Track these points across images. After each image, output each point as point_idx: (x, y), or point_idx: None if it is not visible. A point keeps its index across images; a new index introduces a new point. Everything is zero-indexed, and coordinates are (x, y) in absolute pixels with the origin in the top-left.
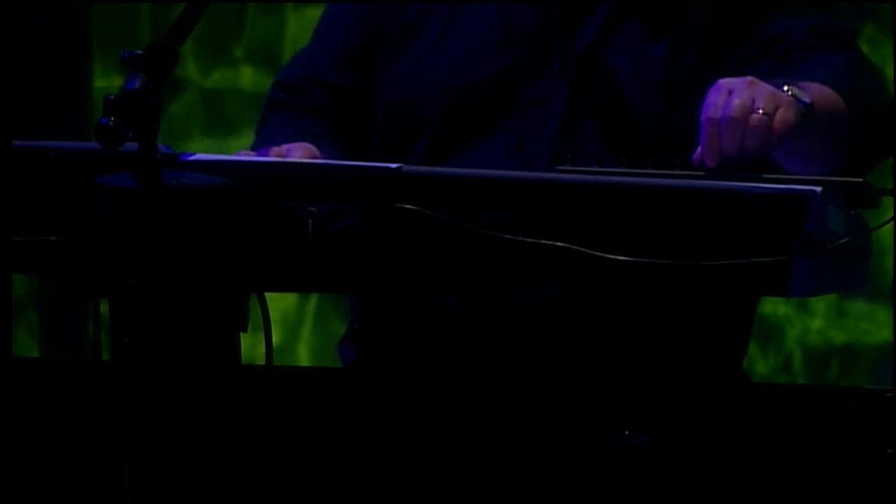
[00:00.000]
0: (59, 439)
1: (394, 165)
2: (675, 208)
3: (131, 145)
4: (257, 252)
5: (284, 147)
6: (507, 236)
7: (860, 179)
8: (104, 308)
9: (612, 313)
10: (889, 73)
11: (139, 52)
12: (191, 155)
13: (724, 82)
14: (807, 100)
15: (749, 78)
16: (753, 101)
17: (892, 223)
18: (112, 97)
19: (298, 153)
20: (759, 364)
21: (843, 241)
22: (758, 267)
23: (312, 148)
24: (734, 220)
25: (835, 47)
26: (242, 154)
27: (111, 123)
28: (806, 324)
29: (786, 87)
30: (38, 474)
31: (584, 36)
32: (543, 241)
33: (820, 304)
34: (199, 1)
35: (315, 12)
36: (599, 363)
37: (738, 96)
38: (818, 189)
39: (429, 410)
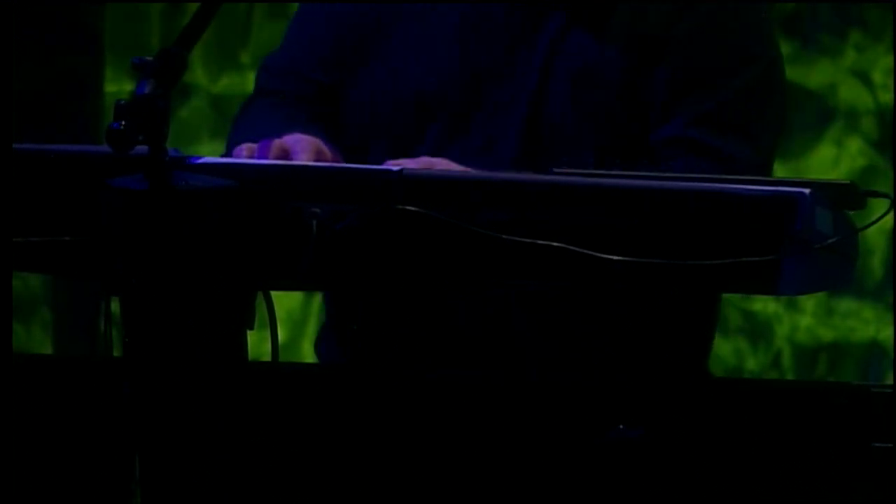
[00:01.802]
0: (72, 433)
1: (395, 168)
2: (669, 209)
3: (141, 148)
4: (263, 252)
5: (288, 141)
6: (506, 237)
7: (847, 181)
8: (115, 306)
9: (584, 313)
10: (877, 77)
11: (149, 58)
12: (199, 158)
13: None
14: None
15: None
16: None
17: (877, 224)
18: (123, 102)
19: (305, 154)
20: (750, 361)
21: (830, 241)
22: (748, 266)
23: (319, 142)
24: (725, 221)
25: (692, 154)
26: (244, 148)
27: (122, 127)
28: (795, 321)
29: None
30: (51, 466)
31: (543, 40)
32: (541, 242)
33: (808, 302)
34: (208, 8)
35: None
36: (569, 361)
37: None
38: (807, 191)
39: (430, 407)
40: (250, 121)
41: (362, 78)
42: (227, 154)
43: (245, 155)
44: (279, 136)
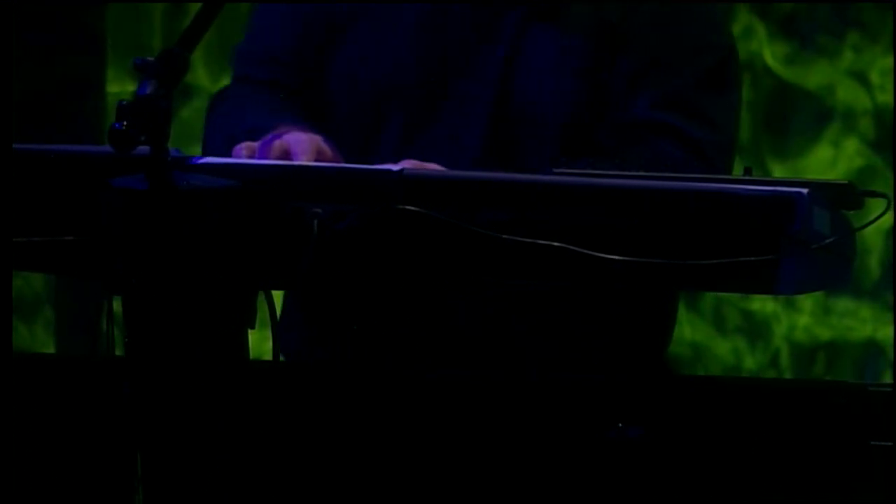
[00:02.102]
0: (75, 432)
1: (395, 168)
2: (668, 209)
3: (143, 149)
4: (263, 251)
5: (288, 140)
6: (506, 236)
7: (845, 182)
8: (117, 305)
9: (551, 311)
10: (874, 78)
11: (151, 59)
12: (200, 158)
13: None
14: None
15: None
16: None
17: (875, 223)
18: (125, 102)
19: (305, 155)
20: (748, 360)
21: (828, 240)
22: (746, 266)
23: (319, 140)
24: (723, 221)
25: (655, 135)
26: (243, 147)
27: (124, 127)
28: (793, 321)
29: None
30: (54, 465)
31: (506, 31)
32: (540, 242)
33: (806, 301)
34: (209, 9)
35: None
36: (538, 358)
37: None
38: (804, 191)
39: (430, 407)
40: (234, 111)
41: (329, 69)
42: (209, 145)
43: (245, 154)
44: (269, 129)
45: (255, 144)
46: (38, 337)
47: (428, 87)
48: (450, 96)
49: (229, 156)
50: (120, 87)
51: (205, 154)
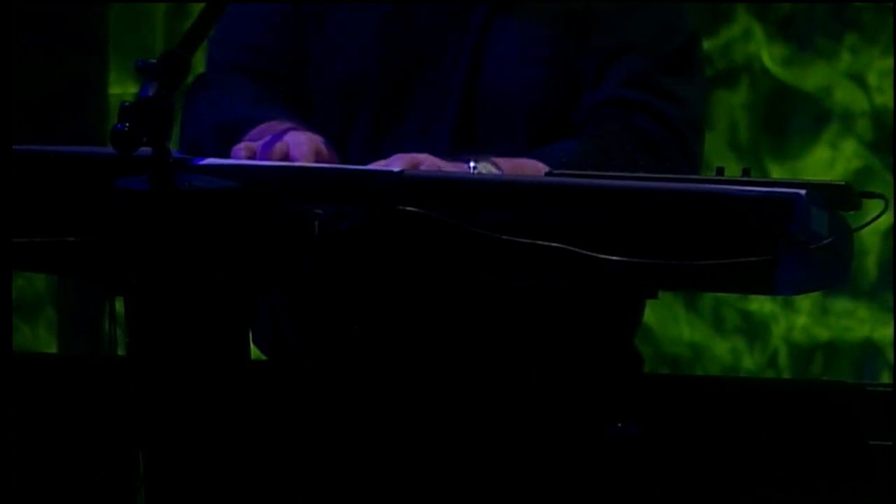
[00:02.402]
0: (77, 431)
1: (396, 169)
2: (666, 210)
3: (145, 150)
4: (265, 252)
5: (288, 141)
6: (505, 237)
7: (843, 183)
8: (119, 306)
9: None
10: (871, 80)
11: (153, 60)
12: (202, 159)
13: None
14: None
15: (426, 155)
16: None
17: (872, 224)
18: (127, 104)
19: (305, 156)
20: (746, 360)
21: (826, 241)
22: (745, 266)
23: (318, 141)
24: (722, 221)
25: (628, 111)
26: (242, 147)
27: (126, 129)
28: (791, 321)
29: (473, 165)
30: (56, 464)
31: (473, 22)
32: (540, 242)
33: (804, 302)
34: (211, 11)
35: None
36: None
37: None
38: (802, 191)
39: (428, 405)
40: (219, 98)
41: (304, 61)
42: (189, 131)
43: (245, 156)
44: (256, 119)
45: (256, 145)
46: (40, 337)
47: (396, 79)
48: (418, 88)
49: (213, 142)
50: (122, 88)
51: (183, 138)
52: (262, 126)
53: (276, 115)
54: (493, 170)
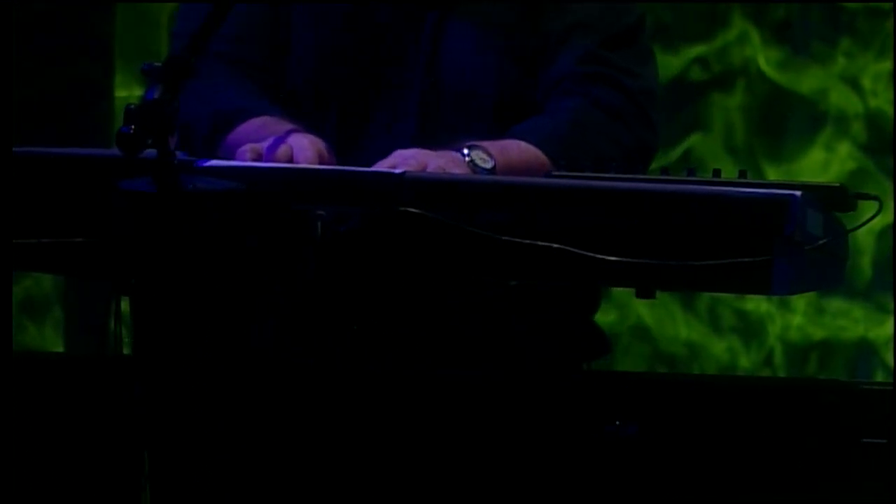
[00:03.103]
0: (83, 430)
1: (398, 171)
2: (665, 211)
3: (150, 152)
4: (268, 252)
5: (291, 142)
6: (505, 237)
7: (837, 184)
8: (125, 305)
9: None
10: (866, 83)
11: (158, 64)
12: (206, 161)
13: (400, 153)
14: (488, 166)
15: (424, 151)
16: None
17: (867, 225)
18: (132, 107)
19: (308, 159)
20: (743, 359)
21: (821, 242)
22: (741, 267)
23: (320, 142)
24: (719, 223)
25: (588, 84)
26: (247, 150)
27: (131, 131)
28: (786, 321)
29: (467, 152)
30: (62, 462)
31: (429, 19)
32: (540, 243)
33: (800, 301)
34: (215, 16)
35: None
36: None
37: (405, 164)
38: (798, 193)
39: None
40: (216, 86)
41: (281, 56)
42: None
43: (249, 157)
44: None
45: (260, 147)
46: (47, 336)
47: (360, 80)
48: (382, 87)
49: (207, 128)
50: (127, 91)
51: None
52: (257, 120)
53: (269, 109)
54: (485, 157)
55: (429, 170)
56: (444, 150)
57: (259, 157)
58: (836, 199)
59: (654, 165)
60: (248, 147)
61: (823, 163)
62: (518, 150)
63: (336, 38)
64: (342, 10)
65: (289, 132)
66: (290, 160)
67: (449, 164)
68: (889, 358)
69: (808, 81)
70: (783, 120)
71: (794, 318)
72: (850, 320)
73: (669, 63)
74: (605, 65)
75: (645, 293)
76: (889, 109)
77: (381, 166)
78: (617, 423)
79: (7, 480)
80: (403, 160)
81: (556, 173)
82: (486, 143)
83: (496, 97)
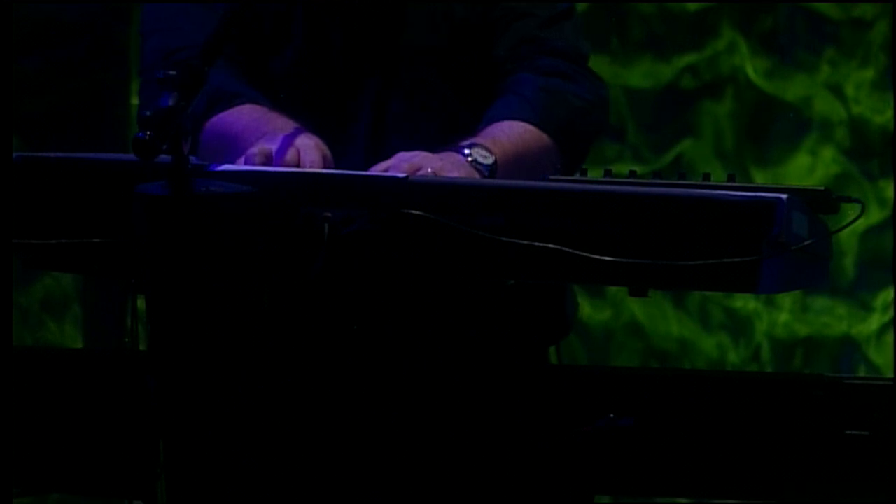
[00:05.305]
0: (101, 421)
1: (401, 175)
2: (655, 213)
3: (165, 157)
4: (277, 253)
5: (299, 146)
6: (504, 239)
7: (822, 188)
8: (142, 304)
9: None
10: (849, 91)
11: (172, 72)
12: (218, 165)
13: (402, 155)
14: (489, 161)
15: (424, 153)
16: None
17: (850, 226)
18: (148, 114)
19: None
20: (731, 354)
21: (806, 243)
22: (730, 266)
23: (323, 144)
24: (708, 224)
25: (536, 58)
26: (257, 153)
27: (147, 137)
28: (773, 318)
29: (467, 153)
30: (81, 452)
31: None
32: (537, 244)
33: (786, 300)
34: (228, 25)
35: None
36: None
37: (410, 166)
38: (784, 196)
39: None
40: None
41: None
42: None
43: (258, 161)
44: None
45: (269, 149)
46: (67, 333)
47: (324, 88)
48: (339, 93)
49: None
50: None
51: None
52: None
53: (261, 98)
54: (485, 153)
55: (429, 171)
56: (446, 152)
57: (268, 158)
58: (820, 202)
59: (646, 170)
60: (257, 150)
61: (808, 167)
62: (506, 133)
63: (289, 72)
64: (294, 49)
65: (294, 133)
66: (298, 163)
67: (449, 165)
68: (871, 353)
69: (793, 89)
70: (770, 126)
71: (780, 316)
72: (833, 318)
73: (661, 71)
74: (538, 42)
75: (638, 292)
76: (871, 116)
77: (381, 167)
78: (611, 415)
79: (27, 469)
80: (404, 161)
81: (553, 177)
82: (478, 138)
83: (446, 91)
